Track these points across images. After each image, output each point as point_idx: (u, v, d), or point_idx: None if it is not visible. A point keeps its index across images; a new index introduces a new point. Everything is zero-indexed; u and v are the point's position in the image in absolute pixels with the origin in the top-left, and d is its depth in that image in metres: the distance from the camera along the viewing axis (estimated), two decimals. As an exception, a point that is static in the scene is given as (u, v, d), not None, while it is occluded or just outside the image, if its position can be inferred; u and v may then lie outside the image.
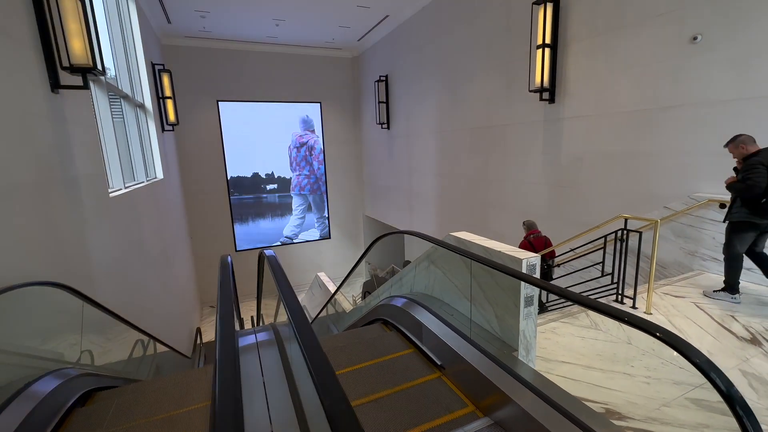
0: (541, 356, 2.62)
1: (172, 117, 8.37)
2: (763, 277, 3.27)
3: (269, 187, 12.40)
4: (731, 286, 3.26)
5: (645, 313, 3.18)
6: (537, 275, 2.12)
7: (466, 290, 2.56)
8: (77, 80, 3.10)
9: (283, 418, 1.63)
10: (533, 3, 5.27)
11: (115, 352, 3.61)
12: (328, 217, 13.18)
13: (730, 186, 3.12)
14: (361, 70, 12.04)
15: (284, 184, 12.58)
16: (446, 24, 7.62)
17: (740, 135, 3.09)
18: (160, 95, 8.04)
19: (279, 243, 12.74)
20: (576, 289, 4.17)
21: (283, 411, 1.66)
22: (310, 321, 7.95)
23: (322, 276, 9.44)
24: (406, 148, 9.87)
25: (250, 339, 2.41)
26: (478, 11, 6.72)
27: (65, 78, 3.03)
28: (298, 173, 12.61)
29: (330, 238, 13.32)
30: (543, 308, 3.99)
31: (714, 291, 3.38)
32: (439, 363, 2.43)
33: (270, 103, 11.67)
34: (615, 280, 3.54)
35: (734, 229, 3.18)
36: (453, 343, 2.37)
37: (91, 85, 4.21)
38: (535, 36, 5.31)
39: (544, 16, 5.12)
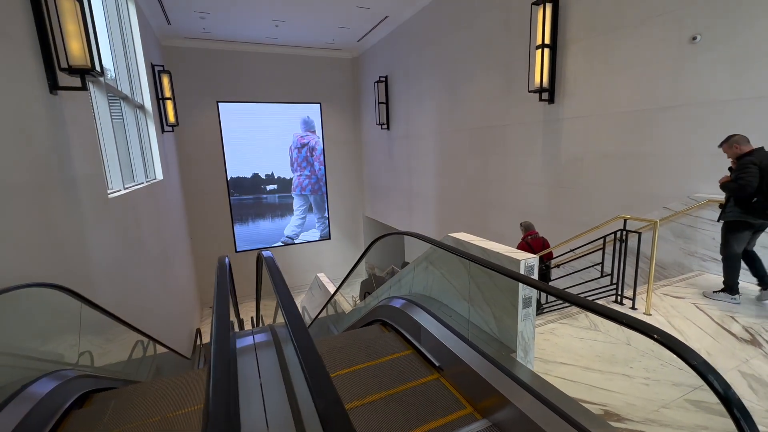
0: (540, 357, 2.61)
1: (171, 118, 8.37)
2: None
3: (269, 187, 12.40)
4: (730, 286, 3.25)
5: (644, 314, 3.17)
6: (535, 276, 2.12)
7: (464, 291, 2.56)
8: (76, 81, 3.10)
9: (280, 420, 1.62)
10: (532, 3, 5.27)
11: (114, 353, 3.60)
12: (328, 217, 13.18)
13: (723, 185, 3.13)
14: (360, 70, 12.05)
15: (284, 184, 12.58)
16: (446, 24, 7.62)
17: (734, 135, 3.10)
18: (160, 96, 8.05)
19: (280, 243, 12.74)
20: (575, 290, 4.17)
21: (280, 413, 1.65)
22: (310, 322, 7.96)
23: (322, 277, 9.44)
24: (405, 149, 9.87)
25: (248, 340, 2.41)
26: (478, 12, 6.72)
27: (64, 79, 3.04)
28: (299, 174, 12.62)
29: (330, 238, 13.32)
30: (540, 309, 3.98)
31: (713, 292, 3.37)
32: (437, 364, 2.43)
33: (270, 104, 11.68)
34: (614, 280, 3.54)
35: (729, 229, 3.19)
36: (451, 344, 2.36)
37: (90, 86, 4.22)
38: (535, 36, 5.30)
39: (544, 17, 5.12)
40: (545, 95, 5.43)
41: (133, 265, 4.74)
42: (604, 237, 3.74)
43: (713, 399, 1.10)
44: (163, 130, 8.07)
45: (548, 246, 4.56)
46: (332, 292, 7.16)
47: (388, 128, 10.59)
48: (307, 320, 9.07)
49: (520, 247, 4.55)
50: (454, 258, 2.55)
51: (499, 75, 6.42)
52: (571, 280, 4.58)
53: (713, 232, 3.75)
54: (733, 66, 3.59)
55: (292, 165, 12.51)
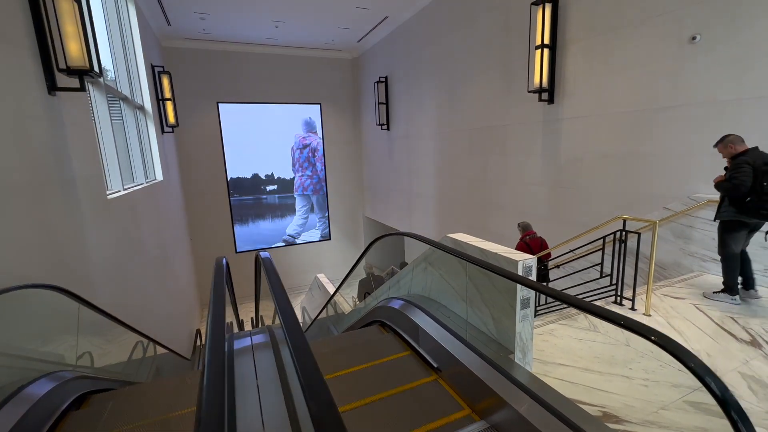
0: (539, 358, 2.60)
1: (171, 119, 8.38)
2: (762, 277, 3.25)
3: (269, 188, 12.41)
4: (730, 287, 3.24)
5: (644, 314, 3.16)
6: (533, 277, 2.11)
7: (463, 292, 2.55)
8: (74, 82, 3.10)
9: (276, 422, 1.62)
10: (532, 3, 5.27)
11: (114, 354, 3.60)
12: (328, 217, 13.19)
13: (717, 185, 3.14)
14: (360, 71, 12.05)
15: (284, 185, 12.58)
16: (445, 25, 7.62)
17: (728, 135, 3.10)
18: (160, 97, 8.05)
19: (282, 243, 12.74)
20: (575, 290, 4.16)
21: (277, 415, 1.65)
22: (310, 322, 7.94)
23: (322, 277, 9.43)
24: (405, 149, 9.86)
25: (246, 341, 2.41)
26: (478, 12, 6.71)
27: (62, 80, 3.04)
28: (300, 174, 12.64)
29: (330, 239, 13.32)
30: (535, 310, 3.97)
31: (713, 292, 3.36)
32: (435, 366, 2.42)
33: (270, 105, 11.69)
34: (614, 281, 3.53)
35: (725, 229, 3.19)
36: (449, 345, 2.36)
37: (90, 87, 4.22)
38: (534, 36, 5.29)
39: (543, 17, 5.11)
40: (545, 95, 5.43)
41: (132, 266, 4.74)
42: (604, 237, 3.73)
43: (712, 401, 1.09)
44: (163, 131, 8.08)
45: (546, 246, 4.55)
46: (332, 293, 7.15)
47: (388, 129, 10.59)
48: (307, 321, 9.07)
49: (519, 247, 4.54)
50: (453, 259, 2.54)
51: (499, 75, 6.41)
52: (570, 280, 4.57)
53: (713, 233, 3.73)
54: (734, 66, 3.58)
55: (293, 165, 12.52)
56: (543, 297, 4.07)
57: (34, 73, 2.83)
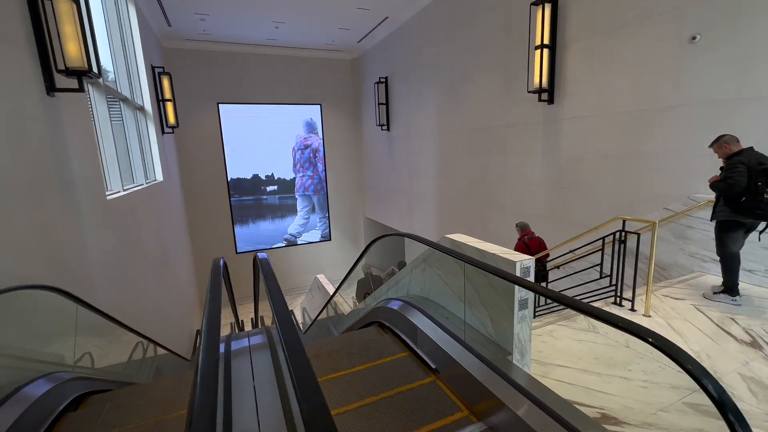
0: (537, 359, 2.59)
1: (172, 119, 8.38)
2: (762, 277, 3.24)
3: (269, 188, 12.42)
4: (731, 287, 3.22)
5: (643, 315, 3.14)
6: (531, 278, 2.10)
7: (461, 293, 2.54)
8: (73, 83, 3.10)
9: (273, 423, 1.61)
10: (531, 3, 5.26)
11: (114, 354, 3.60)
12: (329, 217, 13.20)
13: (713, 185, 3.14)
14: (361, 71, 12.05)
15: (284, 185, 12.59)
16: (445, 25, 7.62)
17: (724, 135, 3.11)
18: (160, 98, 8.06)
19: (283, 244, 12.75)
20: (575, 291, 4.15)
21: (273, 416, 1.64)
22: (310, 323, 7.94)
23: (321, 278, 9.43)
24: (406, 150, 9.86)
25: (244, 342, 2.40)
26: (478, 12, 6.71)
27: (61, 81, 3.04)
28: (301, 174, 12.66)
29: (330, 239, 13.32)
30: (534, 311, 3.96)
31: (714, 293, 3.34)
32: (433, 367, 2.41)
33: (270, 105, 11.70)
34: (613, 282, 3.51)
35: (722, 229, 3.20)
36: (448, 346, 2.35)
37: (90, 87, 4.23)
38: (534, 36, 5.29)
39: (543, 17, 5.10)
40: (545, 95, 5.42)
41: (132, 266, 4.74)
42: (603, 238, 3.71)
43: (711, 403, 1.08)
44: (163, 132, 8.09)
45: (545, 246, 4.54)
46: (331, 294, 7.15)
47: (388, 129, 10.59)
48: (307, 321, 9.07)
49: (518, 247, 4.54)
50: (451, 259, 2.53)
51: (499, 75, 6.40)
52: (570, 281, 4.56)
53: (713, 233, 3.71)
54: (734, 65, 3.56)
55: (294, 166, 12.54)
56: (542, 297, 4.06)
57: (32, 73, 2.83)
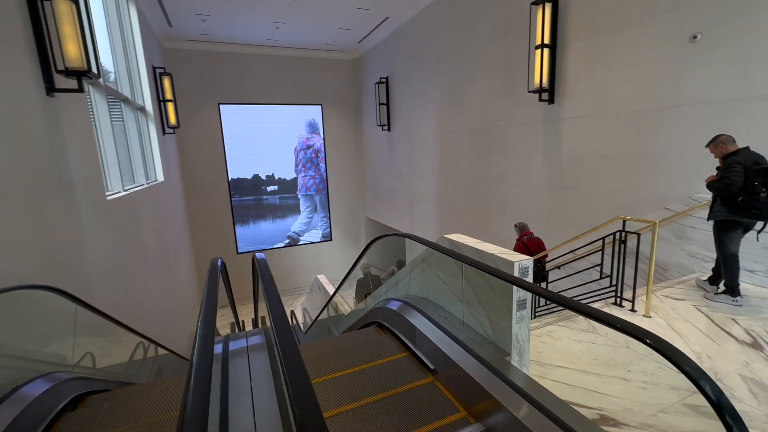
0: (537, 360, 2.58)
1: (173, 120, 8.40)
2: (763, 278, 3.22)
3: (269, 188, 12.44)
4: (731, 288, 3.20)
5: (644, 316, 3.13)
6: (529, 278, 2.09)
7: (459, 293, 2.53)
8: (72, 83, 3.11)
9: (269, 424, 1.61)
10: (532, 3, 5.24)
11: (115, 355, 3.61)
12: (330, 217, 13.21)
13: (709, 185, 3.14)
14: (361, 72, 12.05)
15: (285, 185, 12.60)
16: (446, 25, 7.61)
17: (720, 135, 3.12)
18: (161, 98, 8.08)
19: (284, 244, 12.77)
20: (575, 291, 4.13)
21: (269, 417, 1.64)
22: (311, 323, 7.94)
23: (322, 278, 9.43)
24: (407, 150, 9.85)
25: (242, 343, 2.40)
26: (478, 12, 6.70)
27: (60, 81, 3.05)
28: (303, 174, 12.69)
29: (331, 239, 13.33)
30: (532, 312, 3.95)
31: (715, 294, 3.32)
32: (432, 367, 2.40)
33: (271, 106, 11.71)
34: (614, 282, 3.50)
35: (720, 229, 3.19)
36: (446, 347, 2.34)
37: (90, 88, 4.23)
38: (534, 36, 5.27)
39: (543, 16, 5.09)
40: (545, 95, 5.40)
41: (132, 266, 4.75)
42: (603, 238, 3.70)
43: (710, 403, 1.07)
44: (164, 132, 8.11)
45: (544, 247, 4.54)
46: (331, 293, 7.15)
47: (389, 129, 10.58)
48: (308, 322, 9.07)
49: (517, 248, 4.53)
50: (450, 260, 2.53)
51: (500, 75, 6.39)
52: (571, 281, 4.54)
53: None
54: (736, 65, 3.54)
55: (296, 166, 12.57)
56: (542, 298, 4.05)
57: (32, 74, 2.84)
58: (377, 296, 4.02)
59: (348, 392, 2.24)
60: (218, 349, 2.28)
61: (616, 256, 3.49)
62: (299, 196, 12.80)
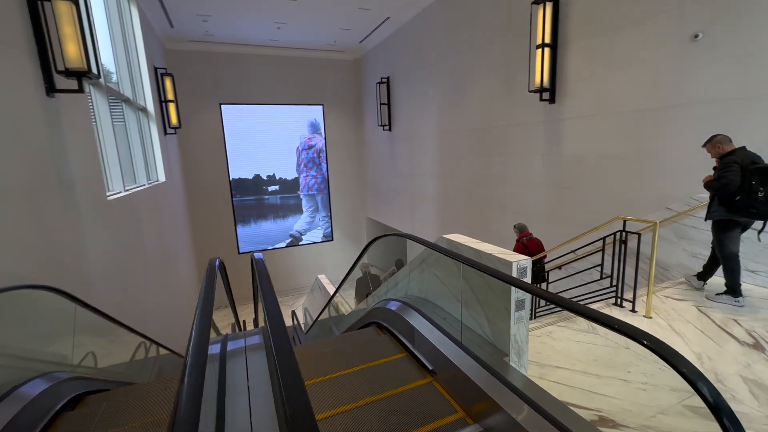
0: (536, 361, 2.57)
1: (174, 120, 8.42)
2: (765, 278, 3.20)
3: (271, 188, 12.46)
4: (733, 288, 3.18)
5: (644, 316, 3.11)
6: (528, 279, 2.08)
7: (458, 293, 2.52)
8: (73, 84, 3.12)
9: (265, 425, 1.60)
10: (532, 2, 5.23)
11: (115, 355, 3.61)
12: (331, 217, 13.23)
13: (707, 185, 3.14)
14: (362, 72, 12.06)
15: (286, 185, 12.63)
16: (446, 25, 7.60)
17: (717, 135, 3.11)
18: (163, 99, 8.10)
19: (286, 244, 12.79)
20: (576, 291, 4.11)
21: (265, 418, 1.63)
22: (311, 323, 7.94)
23: (322, 278, 9.43)
24: (407, 150, 9.85)
25: (240, 343, 2.39)
26: (478, 11, 6.68)
27: (60, 82, 3.05)
28: (305, 174, 12.72)
29: (333, 240, 13.34)
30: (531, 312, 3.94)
31: (716, 294, 3.30)
32: (430, 368, 2.39)
33: (272, 106, 11.73)
34: (614, 282, 3.48)
35: (719, 229, 3.19)
36: (444, 348, 2.33)
37: (91, 88, 4.25)
38: (535, 35, 5.26)
39: (544, 16, 5.07)
40: (546, 95, 5.38)
41: (133, 266, 4.76)
42: (604, 238, 3.68)
43: (710, 405, 1.06)
44: (165, 132, 8.13)
45: (543, 247, 4.53)
46: (332, 294, 7.14)
47: (390, 129, 10.58)
48: (309, 322, 9.07)
49: (517, 248, 4.52)
50: (449, 260, 2.52)
51: (500, 75, 6.37)
52: (572, 281, 4.52)
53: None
54: (737, 64, 3.52)
55: (298, 166, 12.61)
56: (540, 301, 4.03)
57: (32, 74, 2.85)
58: (378, 296, 4.01)
59: (346, 393, 2.24)
60: (216, 349, 2.27)
61: (616, 256, 3.48)
62: (301, 196, 12.83)
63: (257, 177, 12.16)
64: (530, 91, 5.45)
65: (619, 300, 3.40)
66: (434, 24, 8.00)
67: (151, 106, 7.25)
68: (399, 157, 10.35)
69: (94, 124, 4.20)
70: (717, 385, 2.14)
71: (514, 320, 2.10)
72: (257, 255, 2.34)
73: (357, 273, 6.90)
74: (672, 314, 3.13)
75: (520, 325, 2.14)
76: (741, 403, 2.06)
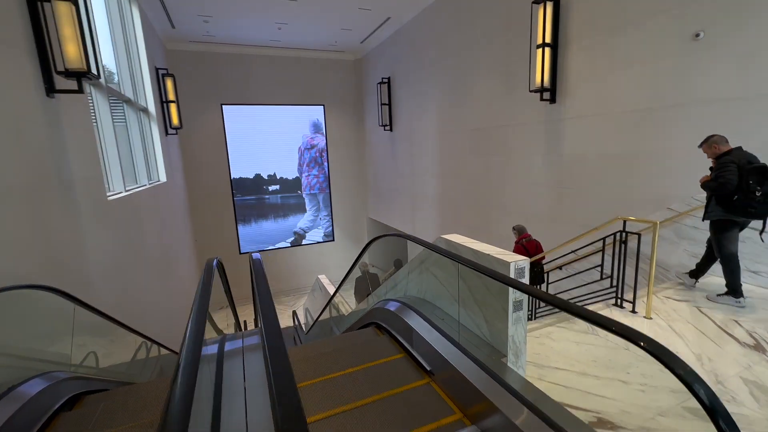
0: (535, 362, 2.56)
1: (175, 121, 8.44)
2: (767, 278, 3.18)
3: (271, 188, 12.49)
4: (734, 289, 3.16)
5: (645, 317, 3.09)
6: (525, 279, 2.07)
7: (456, 294, 2.51)
8: (73, 84, 3.13)
9: (260, 425, 1.60)
10: (533, 2, 5.21)
11: (116, 355, 3.62)
12: (332, 217, 13.26)
13: (704, 185, 3.13)
14: (363, 72, 12.06)
15: (287, 185, 12.65)
16: (447, 25, 7.59)
17: (713, 135, 3.11)
18: (164, 99, 8.12)
19: (287, 244, 12.82)
20: (576, 292, 4.10)
21: (261, 417, 1.63)
22: (312, 323, 7.94)
23: (323, 279, 9.44)
24: (408, 150, 9.84)
25: (237, 343, 2.39)
26: (479, 11, 6.67)
27: (60, 82, 3.06)
28: (307, 174, 12.76)
29: (334, 240, 13.35)
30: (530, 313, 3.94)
31: (717, 295, 3.28)
32: (428, 369, 2.39)
33: (273, 106, 11.75)
34: (614, 283, 3.46)
35: (717, 229, 3.18)
36: (443, 348, 2.32)
37: (91, 89, 4.26)
38: (535, 35, 5.24)
39: (544, 15, 5.06)
40: (546, 95, 5.36)
41: (134, 266, 4.77)
42: (604, 238, 3.66)
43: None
44: (167, 133, 8.15)
45: (541, 249, 4.53)
46: (332, 294, 7.14)
47: (390, 129, 10.57)
48: (309, 322, 9.07)
49: (516, 250, 4.51)
50: (448, 260, 2.51)
51: (501, 75, 6.36)
52: (572, 281, 4.50)
53: (717, 234, 3.65)
54: (738, 63, 3.50)
55: (301, 165, 12.64)
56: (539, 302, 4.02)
57: (32, 75, 2.86)
58: (377, 296, 4.01)
59: (344, 393, 2.23)
60: (214, 349, 2.28)
61: (616, 256, 3.46)
62: (303, 196, 12.87)
63: (258, 176, 12.19)
64: (531, 91, 5.44)
65: (619, 300, 3.39)
66: (435, 24, 7.99)
67: (152, 107, 7.27)
68: (400, 157, 10.34)
69: (94, 124, 4.22)
70: (717, 387, 2.13)
71: (511, 321, 2.09)
72: (255, 255, 2.34)
73: (357, 272, 6.90)
74: (672, 315, 3.11)
75: (518, 325, 2.13)
76: (741, 405, 2.04)
